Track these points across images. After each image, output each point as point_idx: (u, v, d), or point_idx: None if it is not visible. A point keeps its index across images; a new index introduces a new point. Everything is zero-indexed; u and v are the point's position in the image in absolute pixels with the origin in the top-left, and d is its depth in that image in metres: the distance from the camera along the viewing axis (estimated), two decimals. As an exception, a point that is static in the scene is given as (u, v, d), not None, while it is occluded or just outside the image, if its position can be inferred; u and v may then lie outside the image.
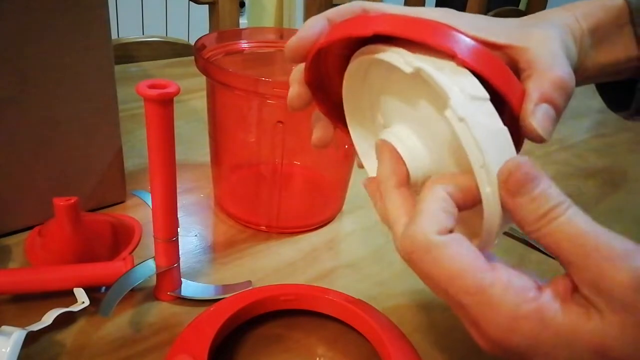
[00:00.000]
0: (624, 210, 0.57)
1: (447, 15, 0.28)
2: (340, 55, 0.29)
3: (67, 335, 0.35)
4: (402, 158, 0.27)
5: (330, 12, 0.29)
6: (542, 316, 0.21)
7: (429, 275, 0.23)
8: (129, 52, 0.90)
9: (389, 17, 0.24)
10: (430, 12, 0.28)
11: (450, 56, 0.22)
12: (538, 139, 0.25)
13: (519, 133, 0.25)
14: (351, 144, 0.33)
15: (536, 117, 0.24)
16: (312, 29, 0.28)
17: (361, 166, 0.33)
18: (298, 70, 0.30)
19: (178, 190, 0.36)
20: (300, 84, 0.30)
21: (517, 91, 0.25)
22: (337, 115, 0.32)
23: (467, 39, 0.23)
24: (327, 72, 0.30)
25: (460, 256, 0.22)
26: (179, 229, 0.37)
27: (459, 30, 0.23)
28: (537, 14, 0.30)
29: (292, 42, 0.28)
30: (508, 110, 0.24)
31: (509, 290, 0.21)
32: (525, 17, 0.30)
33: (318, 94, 0.31)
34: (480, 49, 0.23)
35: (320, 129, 0.33)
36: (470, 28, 0.26)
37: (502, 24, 0.28)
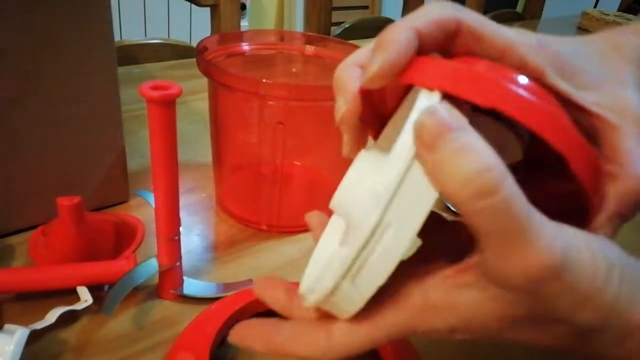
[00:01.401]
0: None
1: (540, 46, 0.24)
2: None
3: (70, 334, 0.35)
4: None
5: (418, 21, 0.23)
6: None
7: None
8: (132, 54, 0.90)
9: (508, 89, 0.20)
10: (527, 38, 0.24)
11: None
12: None
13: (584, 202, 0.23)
14: None
15: (602, 229, 0.23)
16: (402, 47, 0.22)
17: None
18: (349, 77, 0.25)
19: (180, 190, 0.36)
20: (356, 99, 0.25)
21: (599, 189, 0.23)
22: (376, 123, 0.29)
23: (579, 140, 0.21)
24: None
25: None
26: (181, 228, 0.38)
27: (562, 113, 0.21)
28: (606, 35, 0.26)
29: (379, 65, 0.22)
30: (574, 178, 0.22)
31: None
32: (596, 44, 0.26)
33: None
34: (586, 149, 0.21)
35: (350, 141, 0.28)
36: (556, 69, 0.23)
37: (588, 65, 0.24)
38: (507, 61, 0.23)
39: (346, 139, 0.27)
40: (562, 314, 0.20)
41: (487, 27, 0.24)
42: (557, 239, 0.19)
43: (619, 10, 1.93)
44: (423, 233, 0.25)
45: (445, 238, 0.26)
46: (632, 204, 0.23)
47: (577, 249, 0.19)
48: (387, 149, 0.26)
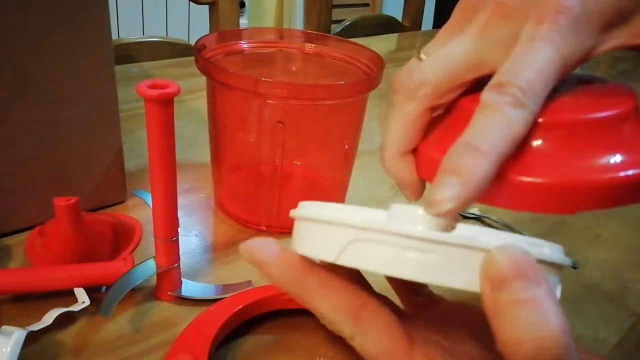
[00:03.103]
0: (624, 211, 0.57)
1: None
2: None
3: (68, 335, 0.35)
4: None
5: (400, 146, 0.24)
6: None
7: None
8: (130, 53, 0.90)
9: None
10: None
11: None
12: None
13: None
14: (351, 144, 0.33)
15: None
16: (404, 178, 0.24)
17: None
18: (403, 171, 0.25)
19: (178, 190, 0.36)
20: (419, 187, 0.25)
21: None
22: None
23: None
24: None
25: None
26: (179, 228, 0.37)
27: None
28: None
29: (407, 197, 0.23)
30: None
31: None
32: None
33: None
34: None
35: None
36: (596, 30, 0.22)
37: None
38: None
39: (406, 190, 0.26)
40: None
41: (454, 73, 0.23)
42: None
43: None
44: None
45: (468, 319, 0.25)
46: None
47: None
48: None
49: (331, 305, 0.22)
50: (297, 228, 0.23)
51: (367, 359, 0.22)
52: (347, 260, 0.20)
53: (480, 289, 0.19)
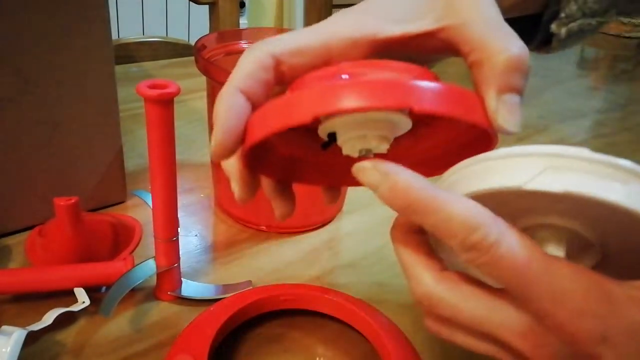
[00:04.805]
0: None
1: (359, 19, 0.25)
2: None
3: (68, 335, 0.35)
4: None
5: (240, 81, 0.23)
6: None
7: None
8: (129, 52, 0.90)
9: (320, 93, 0.21)
10: (342, 21, 0.25)
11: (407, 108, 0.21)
12: (510, 133, 0.23)
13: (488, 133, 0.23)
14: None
15: (501, 115, 0.22)
16: (231, 114, 0.23)
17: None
18: (231, 165, 0.26)
19: (178, 190, 0.36)
20: (243, 179, 0.26)
21: (478, 108, 0.23)
22: (288, 173, 0.30)
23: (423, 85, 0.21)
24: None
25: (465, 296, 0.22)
26: (179, 229, 0.37)
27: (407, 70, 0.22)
28: None
29: (217, 139, 0.23)
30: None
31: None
32: None
33: (260, 164, 0.27)
34: (435, 89, 0.21)
35: (281, 205, 0.31)
36: (387, 20, 0.24)
37: (416, 2, 0.25)
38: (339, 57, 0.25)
39: (234, 184, 0.26)
40: None
41: (299, 42, 0.24)
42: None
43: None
44: None
45: None
46: (512, 72, 0.23)
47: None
48: None
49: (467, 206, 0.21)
50: (473, 170, 0.23)
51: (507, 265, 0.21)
52: (539, 185, 0.21)
53: None
